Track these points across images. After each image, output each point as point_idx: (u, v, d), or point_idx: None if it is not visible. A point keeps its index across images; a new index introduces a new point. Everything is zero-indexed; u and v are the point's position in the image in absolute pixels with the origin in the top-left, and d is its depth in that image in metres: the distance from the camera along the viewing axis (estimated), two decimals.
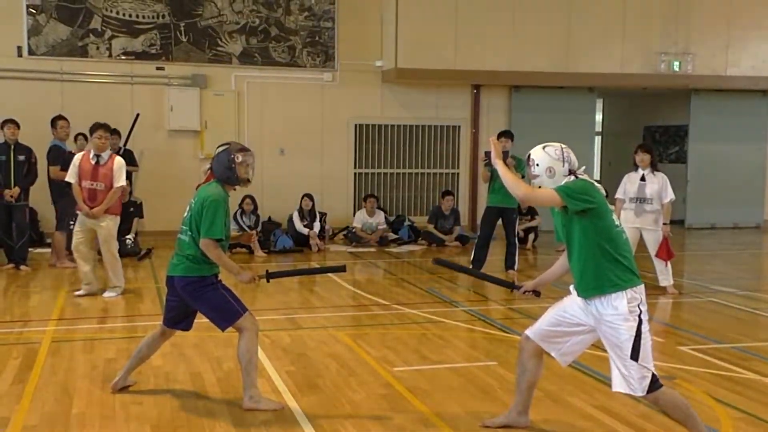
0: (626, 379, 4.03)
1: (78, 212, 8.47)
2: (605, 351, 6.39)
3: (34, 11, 12.89)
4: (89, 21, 13.10)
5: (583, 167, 4.28)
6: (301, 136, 14.12)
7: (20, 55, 12.89)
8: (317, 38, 14.13)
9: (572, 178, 4.17)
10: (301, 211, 12.61)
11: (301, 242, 12.42)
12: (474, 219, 14.67)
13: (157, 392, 5.23)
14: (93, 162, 8.38)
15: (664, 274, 9.07)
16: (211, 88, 13.70)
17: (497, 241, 10.78)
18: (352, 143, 14.52)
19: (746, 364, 6.06)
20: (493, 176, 10.19)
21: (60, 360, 5.95)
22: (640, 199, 9.01)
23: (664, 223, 8.98)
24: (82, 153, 8.63)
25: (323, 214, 13.01)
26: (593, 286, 4.09)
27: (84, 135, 11.68)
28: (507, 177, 4.16)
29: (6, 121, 10.08)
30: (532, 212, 13.32)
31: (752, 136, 16.33)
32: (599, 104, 17.27)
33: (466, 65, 13.90)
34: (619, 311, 4.01)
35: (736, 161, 16.20)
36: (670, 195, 8.98)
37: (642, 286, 4.11)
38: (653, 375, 4.04)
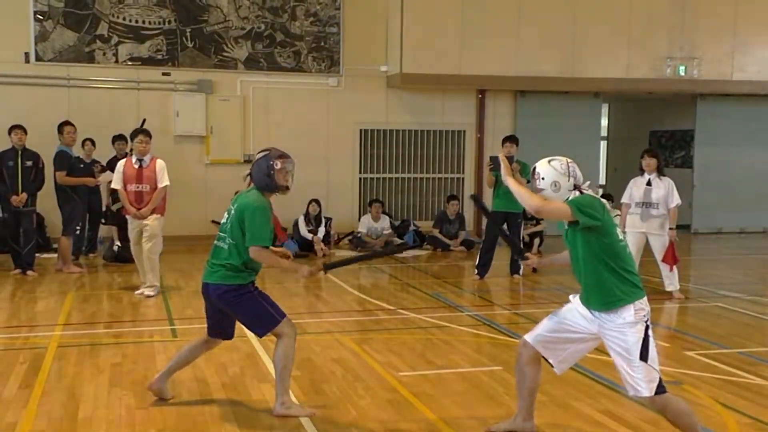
0: (634, 381, 4.04)
1: (126, 215, 8.89)
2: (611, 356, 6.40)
3: (42, 17, 12.94)
4: (96, 27, 13.15)
5: (588, 182, 4.30)
6: (306, 141, 14.11)
7: (27, 61, 12.95)
8: (323, 43, 14.15)
9: (577, 193, 4.19)
10: (307, 216, 12.62)
11: (307, 247, 12.43)
12: (479, 224, 14.66)
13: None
14: (136, 166, 8.74)
15: (670, 279, 9.05)
16: (217, 94, 13.73)
17: (502, 245, 10.76)
18: (358, 148, 14.53)
19: (753, 369, 6.04)
20: (498, 181, 10.19)
21: (66, 365, 5.97)
22: (646, 204, 9.00)
23: (671, 228, 8.97)
24: (125, 159, 9.00)
25: (328, 219, 13.03)
26: (599, 302, 4.13)
27: (91, 140, 11.75)
28: (520, 191, 4.15)
29: (14, 127, 10.12)
30: (537, 217, 13.29)
31: (759, 141, 16.29)
32: (605, 109, 17.24)
33: (471, 70, 13.91)
34: (627, 320, 4.06)
35: (743, 166, 16.16)
36: (676, 200, 8.97)
37: (645, 298, 4.14)
38: (660, 379, 4.05)
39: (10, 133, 10.11)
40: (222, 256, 4.81)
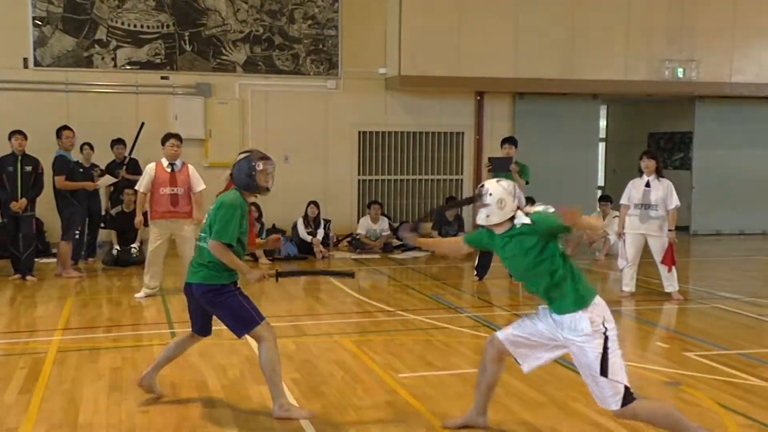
0: (600, 395, 4.14)
1: (153, 221, 8.88)
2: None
3: (40, 23, 12.97)
4: (94, 32, 13.17)
5: (529, 205, 4.49)
6: (305, 144, 14.16)
7: (26, 66, 12.98)
8: (321, 46, 14.18)
9: (520, 213, 4.35)
10: (306, 218, 12.63)
11: (306, 249, 12.44)
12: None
13: (163, 401, 5.23)
14: (168, 170, 8.82)
15: (669, 281, 9.06)
16: (216, 97, 13.75)
17: None
18: (356, 150, 14.56)
19: (753, 371, 6.05)
20: None
21: (66, 370, 5.96)
22: (645, 206, 9.00)
23: (670, 230, 8.98)
24: (155, 163, 8.97)
25: (327, 221, 13.04)
26: (574, 304, 4.20)
27: (89, 144, 11.76)
28: (586, 225, 4.45)
29: (14, 133, 10.13)
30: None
31: (757, 143, 16.32)
32: (603, 111, 17.27)
33: (469, 72, 13.93)
34: (584, 332, 4.11)
35: (742, 168, 16.18)
36: (675, 201, 8.97)
37: (598, 299, 4.23)
38: (626, 388, 4.08)
39: (10, 139, 10.11)
40: (204, 255, 4.91)
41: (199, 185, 8.94)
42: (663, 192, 8.96)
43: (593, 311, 4.15)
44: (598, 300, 4.22)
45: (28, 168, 10.07)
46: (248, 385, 5.60)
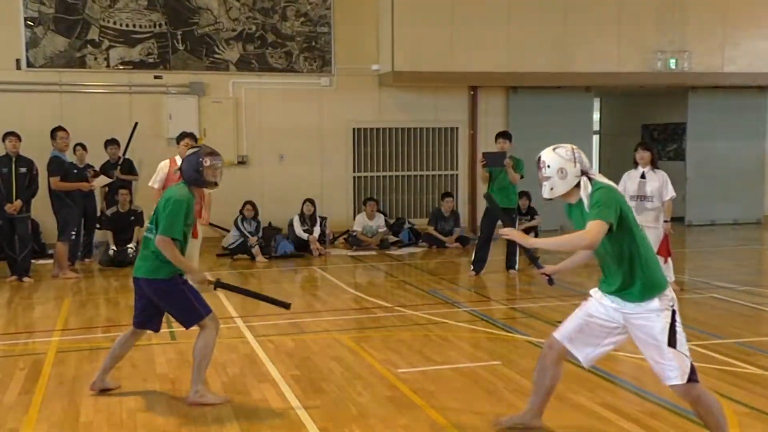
0: (664, 369, 3.95)
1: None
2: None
3: (32, 23, 12.94)
4: (87, 32, 13.15)
5: (595, 168, 4.27)
6: (299, 142, 14.16)
7: (19, 67, 12.95)
8: (314, 43, 14.17)
9: (585, 179, 4.11)
10: (302, 215, 12.64)
11: (302, 247, 12.45)
12: (474, 220, 14.70)
13: (164, 399, 5.26)
14: None
15: (665, 271, 9.08)
16: (210, 96, 13.74)
17: (498, 241, 10.80)
18: (351, 147, 14.56)
19: (749, 359, 6.08)
20: (492, 177, 10.22)
21: (66, 370, 5.97)
22: (641, 197, 9.03)
23: (665, 221, 9.01)
24: (168, 160, 9.02)
25: (324, 219, 13.05)
26: (640, 293, 4.02)
27: (83, 145, 11.74)
28: (558, 243, 4.17)
29: (7, 134, 10.12)
30: (531, 212, 13.35)
31: (750, 133, 16.37)
32: (596, 104, 17.31)
33: (462, 67, 13.95)
34: (652, 308, 3.98)
35: (735, 158, 16.23)
36: (670, 192, 9.00)
37: (669, 286, 4.11)
38: (692, 365, 3.95)
39: (4, 140, 10.10)
40: (149, 245, 5.04)
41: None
42: (658, 183, 8.99)
43: (663, 297, 4.01)
44: (670, 290, 4.08)
45: (23, 169, 10.06)
46: (248, 381, 5.62)
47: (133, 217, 11.75)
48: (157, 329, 5.35)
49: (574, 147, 4.20)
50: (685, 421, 4.73)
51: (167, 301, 5.09)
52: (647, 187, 8.99)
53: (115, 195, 11.78)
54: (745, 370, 5.81)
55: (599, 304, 4.21)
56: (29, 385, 5.58)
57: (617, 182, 9.46)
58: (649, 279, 4.02)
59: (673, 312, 3.97)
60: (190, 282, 5.12)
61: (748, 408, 4.96)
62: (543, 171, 4.16)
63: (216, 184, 5.15)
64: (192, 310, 5.04)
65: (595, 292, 4.28)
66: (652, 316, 3.97)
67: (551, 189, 4.16)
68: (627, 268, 4.03)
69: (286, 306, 5.44)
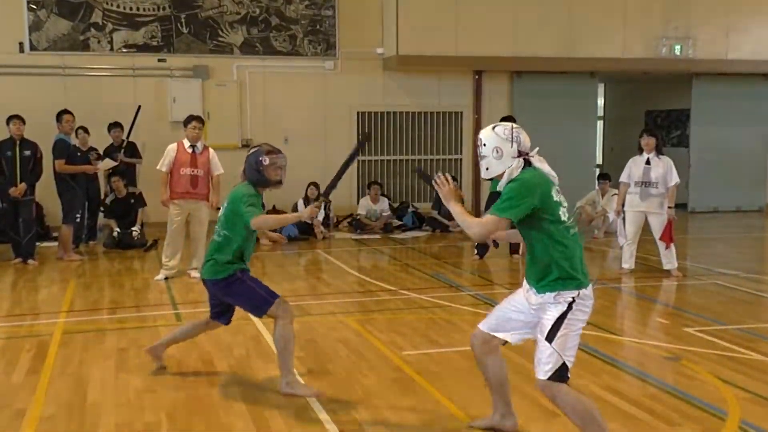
0: (536, 359, 3.83)
1: (172, 201, 8.92)
2: (611, 333, 6.49)
3: (35, 7, 12.92)
4: (90, 15, 13.13)
5: (536, 149, 3.97)
6: (304, 125, 14.16)
7: (22, 50, 12.95)
8: (318, 27, 14.14)
9: (519, 160, 3.89)
10: (306, 199, 12.66)
11: (306, 230, 12.47)
12: (478, 204, 14.71)
13: (170, 381, 5.29)
14: (189, 151, 8.86)
15: (668, 258, 9.12)
16: (213, 79, 13.73)
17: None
18: (355, 131, 14.56)
19: (751, 345, 6.12)
20: None
21: (72, 351, 6.01)
22: (646, 183, 9.03)
23: (669, 207, 9.02)
24: (176, 143, 9.01)
25: (328, 202, 13.03)
26: (534, 280, 3.88)
27: (84, 128, 11.73)
28: (461, 218, 3.92)
29: (11, 117, 10.12)
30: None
31: (754, 120, 16.34)
32: (601, 89, 17.28)
33: (467, 51, 13.92)
34: (547, 299, 3.81)
35: (739, 145, 16.21)
36: (675, 178, 9.01)
37: (586, 289, 3.84)
38: (563, 366, 3.75)
39: (8, 124, 10.10)
40: (213, 250, 5.05)
41: (219, 169, 9.00)
42: (663, 169, 9.00)
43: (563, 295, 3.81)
44: (580, 291, 3.82)
45: (27, 152, 10.07)
46: (254, 363, 5.66)
47: (132, 200, 11.79)
48: (227, 323, 5.29)
49: (515, 126, 3.97)
50: (687, 405, 4.78)
51: (232, 295, 5.03)
52: (652, 173, 9.00)
53: (110, 178, 11.73)
54: (747, 356, 5.84)
55: (521, 294, 4.04)
56: (36, 366, 5.62)
57: (620, 168, 9.49)
58: (554, 274, 3.79)
59: (568, 310, 3.76)
60: (306, 218, 5.06)
61: (750, 393, 4.99)
62: (480, 150, 3.98)
63: (280, 182, 5.03)
64: (258, 299, 4.94)
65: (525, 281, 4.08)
66: (546, 306, 3.81)
67: (487, 169, 3.96)
68: (539, 258, 3.84)
69: (364, 142, 5.31)
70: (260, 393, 5.02)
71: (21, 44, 12.93)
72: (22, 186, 10.00)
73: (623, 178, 9.26)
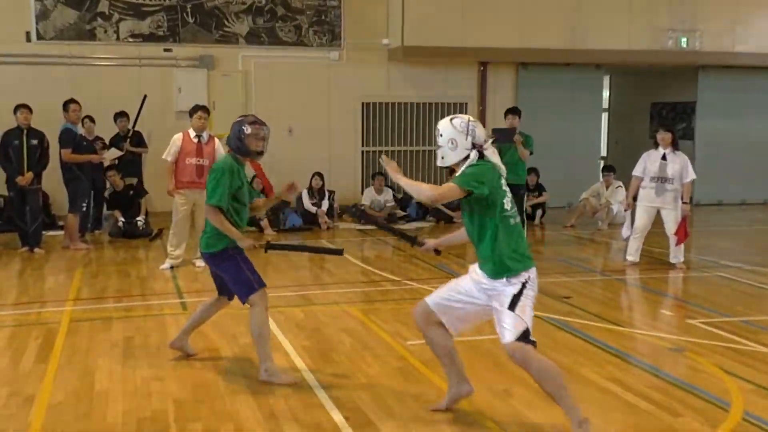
0: (500, 327, 4.05)
1: (178, 190, 8.94)
2: (615, 324, 6.52)
3: None
4: (96, 5, 13.14)
5: (489, 141, 4.19)
6: (308, 115, 14.17)
7: (29, 40, 12.97)
8: (323, 17, 14.14)
9: (475, 152, 4.12)
10: (310, 189, 12.70)
11: (310, 220, 12.52)
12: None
13: (177, 369, 5.33)
14: (195, 141, 8.91)
15: (676, 252, 9.12)
16: (219, 69, 13.75)
17: None
18: (360, 122, 14.58)
19: (755, 337, 6.14)
20: (501, 153, 10.21)
21: (80, 339, 6.06)
22: (662, 179, 8.99)
23: (684, 202, 9.02)
24: (181, 133, 9.04)
25: (332, 193, 13.10)
26: (489, 270, 4.10)
27: (91, 118, 11.77)
28: (411, 186, 4.17)
29: (19, 106, 10.15)
30: (539, 189, 13.37)
31: (760, 113, 16.32)
32: (606, 81, 17.24)
33: (472, 42, 13.90)
34: (501, 283, 4.06)
35: (744, 138, 16.19)
36: (691, 174, 8.99)
37: (533, 269, 4.13)
38: (527, 330, 4.01)
39: (15, 113, 10.14)
40: (207, 222, 5.15)
41: None
42: (680, 165, 8.97)
43: (515, 278, 4.06)
44: (529, 273, 4.10)
45: (34, 141, 10.11)
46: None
47: (131, 192, 11.83)
48: (230, 298, 5.38)
49: (471, 119, 4.20)
50: (690, 396, 4.81)
51: (223, 271, 5.13)
52: (668, 169, 8.97)
53: (106, 172, 11.74)
54: (750, 347, 5.87)
55: (469, 279, 4.26)
56: (44, 354, 5.67)
57: (625, 160, 9.50)
58: (501, 260, 4.05)
59: (524, 286, 4.03)
60: (242, 246, 5.07)
61: (753, 385, 5.02)
62: (437, 139, 4.21)
63: (261, 153, 5.12)
64: (245, 283, 5.04)
65: (472, 266, 4.31)
66: (506, 287, 4.04)
67: (442, 158, 4.21)
68: (485, 246, 4.10)
69: (340, 252, 5.46)
70: (266, 382, 5.05)
71: (28, 33, 12.95)
72: (29, 175, 10.04)
73: (637, 172, 9.20)
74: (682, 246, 9.11)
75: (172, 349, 5.52)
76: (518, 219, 4.20)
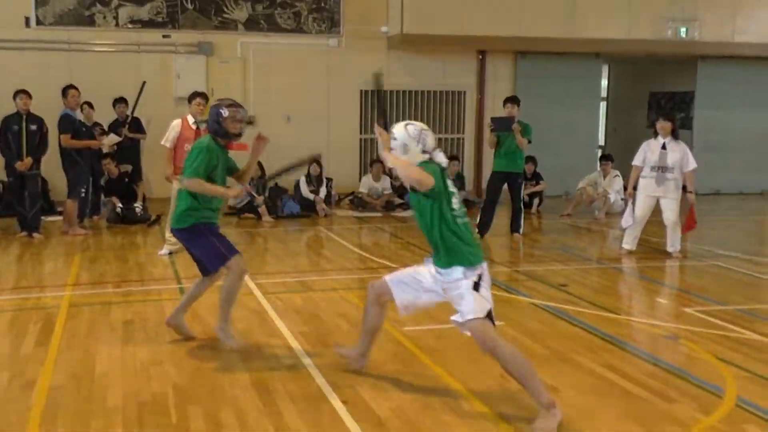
0: (464, 309, 4.25)
1: (176, 176, 8.85)
2: (611, 312, 6.57)
3: None
4: None
5: (438, 149, 4.46)
6: (307, 103, 14.18)
7: (28, 25, 12.95)
8: (322, 4, 14.12)
9: (426, 157, 4.37)
10: (308, 176, 12.71)
11: (308, 207, 12.55)
12: (479, 184, 14.77)
13: (176, 353, 5.37)
14: (194, 127, 8.93)
15: (672, 241, 9.17)
16: (218, 56, 13.74)
17: (503, 205, 10.89)
18: (358, 109, 14.58)
19: (750, 326, 6.19)
20: (500, 142, 10.27)
21: (79, 323, 6.10)
22: (662, 168, 9.01)
23: (689, 192, 9.05)
24: (180, 119, 9.06)
25: (329, 180, 13.12)
26: (446, 261, 4.33)
27: (90, 103, 11.78)
28: (396, 163, 4.33)
29: (18, 92, 10.15)
30: (537, 177, 13.40)
31: (758, 103, 16.34)
32: (605, 70, 17.25)
33: (471, 31, 13.89)
34: (457, 276, 4.28)
35: (742, 128, 16.22)
36: (692, 163, 9.01)
37: (485, 264, 4.36)
38: (491, 311, 4.26)
39: (15, 98, 10.14)
40: (178, 199, 5.36)
41: None
42: (680, 154, 8.99)
43: (470, 272, 4.26)
44: (482, 267, 4.31)
45: (33, 127, 10.12)
46: (257, 337, 5.75)
47: (126, 179, 11.85)
48: (205, 273, 5.56)
49: (424, 128, 4.45)
50: (684, 382, 4.86)
51: (192, 245, 5.38)
52: (668, 159, 8.98)
53: (101, 160, 11.74)
54: (746, 336, 5.92)
55: (426, 270, 4.52)
56: (44, 337, 5.71)
57: (622, 149, 9.52)
58: (452, 251, 4.29)
59: (480, 278, 4.27)
60: (231, 197, 5.32)
61: (747, 372, 5.07)
62: (391, 142, 4.43)
63: (238, 135, 5.34)
64: (215, 251, 5.27)
65: (427, 259, 4.57)
66: (461, 280, 4.26)
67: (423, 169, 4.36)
68: (434, 237, 4.34)
69: (317, 158, 5.70)
70: (263, 365, 5.11)
71: (27, 19, 12.93)
72: (29, 160, 10.05)
73: (637, 161, 9.21)
74: (678, 235, 9.16)
75: (169, 326, 5.64)
76: (467, 219, 4.43)
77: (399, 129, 4.43)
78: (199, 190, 5.20)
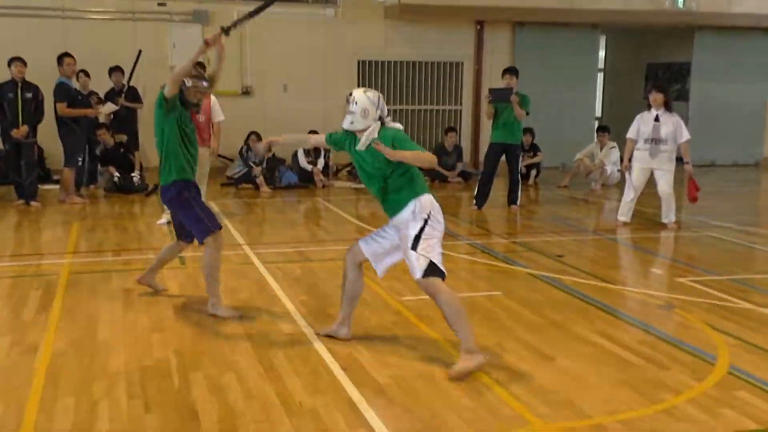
0: (410, 267, 4.55)
1: None
2: (606, 282, 6.63)
3: None
4: None
5: (389, 116, 4.75)
6: (304, 73, 14.13)
7: None
8: None
9: (378, 123, 4.65)
10: (306, 149, 12.71)
11: (306, 178, 12.57)
12: (476, 155, 14.79)
13: (177, 320, 5.43)
14: None
15: (667, 212, 9.23)
16: (214, 25, 13.61)
17: (500, 177, 10.93)
18: (355, 79, 14.53)
19: (742, 295, 6.27)
20: (497, 113, 10.28)
21: (80, 291, 6.14)
22: (655, 140, 9.04)
23: (686, 163, 9.09)
24: None
25: (327, 151, 13.12)
26: (392, 210, 4.65)
27: (85, 72, 11.72)
28: (413, 159, 4.53)
29: (13, 59, 10.11)
30: (534, 149, 13.43)
31: (755, 75, 16.35)
32: (602, 41, 17.20)
33: (469, 1, 13.82)
34: (405, 218, 4.57)
35: (738, 99, 16.25)
36: (685, 135, 9.03)
37: (426, 195, 4.62)
38: (432, 264, 4.49)
39: (9, 66, 10.10)
40: (162, 158, 5.56)
41: (219, 116, 9.02)
42: (673, 126, 9.01)
43: (418, 204, 4.54)
44: (426, 198, 4.59)
45: (29, 95, 10.09)
46: (257, 305, 5.80)
47: (122, 149, 11.83)
48: (190, 241, 5.79)
49: (380, 95, 4.77)
50: (678, 350, 4.94)
51: (178, 210, 5.56)
52: (662, 130, 9.01)
53: (95, 133, 11.71)
54: (738, 305, 6.00)
55: (389, 225, 4.78)
56: (45, 304, 5.76)
57: (620, 121, 9.55)
58: (405, 193, 4.59)
59: (426, 222, 4.53)
60: (209, 43, 5.50)
61: (739, 340, 5.15)
62: (350, 106, 4.68)
63: (196, 105, 5.60)
64: (200, 223, 5.45)
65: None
66: (409, 224, 4.54)
67: (351, 123, 4.69)
68: (392, 189, 4.63)
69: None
70: (264, 333, 5.17)
71: None
72: (24, 128, 10.04)
73: (631, 134, 9.23)
74: (673, 206, 9.23)
75: (140, 284, 6.03)
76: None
77: (359, 94, 4.69)
78: (176, 75, 5.37)
